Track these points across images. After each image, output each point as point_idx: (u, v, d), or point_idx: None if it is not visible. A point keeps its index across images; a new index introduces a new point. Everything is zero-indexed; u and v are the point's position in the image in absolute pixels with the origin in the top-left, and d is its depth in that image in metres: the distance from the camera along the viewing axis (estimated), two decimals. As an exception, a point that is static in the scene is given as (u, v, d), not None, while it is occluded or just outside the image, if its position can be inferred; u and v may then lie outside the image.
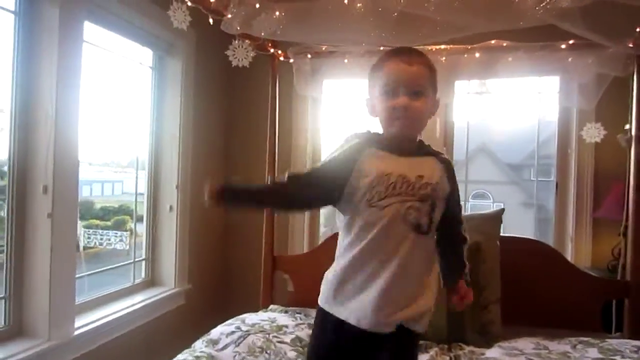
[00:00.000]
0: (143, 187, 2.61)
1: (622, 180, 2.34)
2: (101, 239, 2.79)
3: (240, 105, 3.16)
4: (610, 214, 2.53)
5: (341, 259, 1.23)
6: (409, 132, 1.20)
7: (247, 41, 2.07)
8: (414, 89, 1.15)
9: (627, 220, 2.14)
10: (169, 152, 2.63)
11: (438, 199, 1.17)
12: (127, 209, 2.86)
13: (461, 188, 2.95)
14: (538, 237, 2.92)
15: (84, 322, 1.98)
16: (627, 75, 2.06)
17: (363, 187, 1.15)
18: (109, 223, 2.85)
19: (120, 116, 2.50)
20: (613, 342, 1.70)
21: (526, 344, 1.72)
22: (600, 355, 1.58)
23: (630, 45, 1.92)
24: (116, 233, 2.86)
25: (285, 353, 1.62)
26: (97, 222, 2.80)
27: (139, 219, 2.62)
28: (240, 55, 2.01)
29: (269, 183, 1.61)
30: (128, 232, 2.73)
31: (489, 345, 1.80)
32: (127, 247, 2.70)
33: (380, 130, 1.23)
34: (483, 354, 1.71)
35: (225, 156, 3.17)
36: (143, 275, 2.61)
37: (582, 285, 2.10)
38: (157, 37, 2.49)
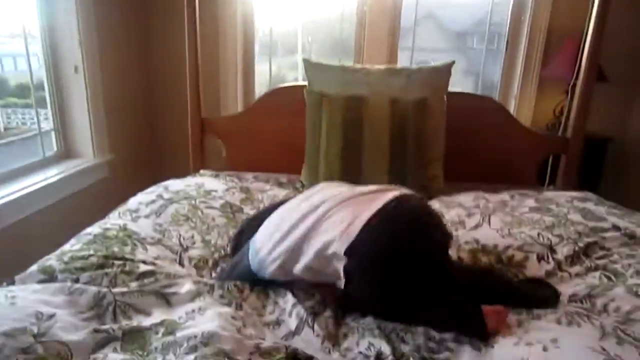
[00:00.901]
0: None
1: (576, 36, 2.17)
2: (23, 119, 2.38)
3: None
4: (558, 72, 2.41)
5: None
6: None
7: None
8: None
9: (576, 78, 2.01)
10: (63, 2, 2.12)
11: None
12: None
13: (407, 56, 2.79)
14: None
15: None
16: None
17: None
18: (29, 101, 2.44)
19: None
20: (548, 194, 1.66)
21: (466, 197, 1.65)
22: (536, 205, 1.53)
23: None
24: (29, 112, 2.44)
25: (214, 219, 1.44)
26: (16, 100, 2.36)
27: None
28: None
29: None
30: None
31: (429, 199, 1.71)
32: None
33: None
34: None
35: (140, 6, 2.63)
36: (55, 147, 2.27)
37: (525, 141, 2.02)
38: None
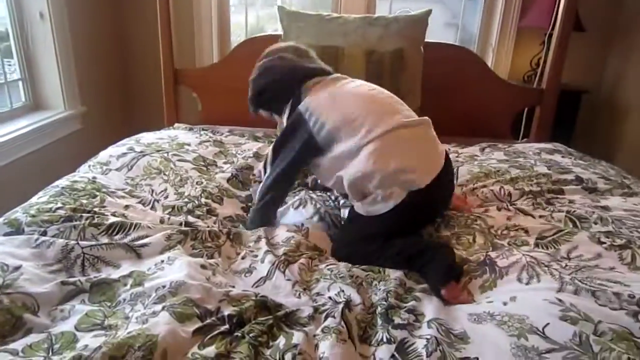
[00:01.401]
0: None
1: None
2: None
3: None
4: (536, 21, 2.36)
5: None
6: None
7: None
8: None
9: (552, 28, 1.98)
10: None
11: None
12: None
13: (385, 6, 2.68)
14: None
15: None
16: None
17: None
18: None
19: None
20: (518, 146, 1.68)
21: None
22: (505, 157, 1.55)
23: None
24: (9, 61, 2.32)
25: (187, 171, 1.42)
26: None
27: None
28: None
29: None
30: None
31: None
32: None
33: None
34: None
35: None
36: (23, 98, 2.18)
37: (500, 93, 2.01)
38: None
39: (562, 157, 1.54)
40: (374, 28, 1.79)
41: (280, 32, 1.95)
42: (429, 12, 1.84)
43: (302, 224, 1.25)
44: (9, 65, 2.17)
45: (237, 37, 2.81)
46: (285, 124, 1.25)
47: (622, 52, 2.55)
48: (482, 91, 1.99)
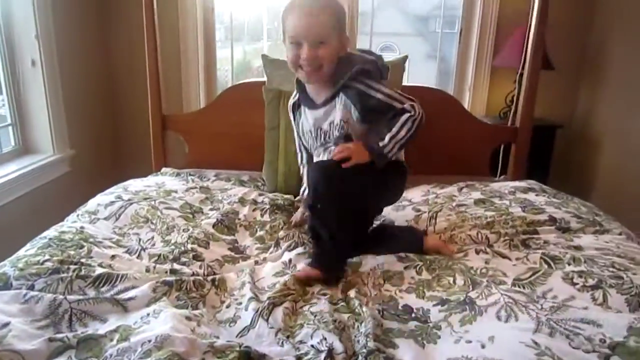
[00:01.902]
0: None
1: (522, 28, 2.22)
2: None
3: None
4: (508, 61, 2.46)
5: None
6: (315, 79, 1.29)
7: None
8: (316, 40, 1.21)
9: (523, 67, 2.07)
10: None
11: (350, 132, 1.29)
12: None
13: (366, 40, 2.77)
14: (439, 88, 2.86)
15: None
16: None
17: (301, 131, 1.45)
18: None
19: None
20: (495, 186, 1.73)
21: (416, 193, 1.70)
22: (481, 197, 1.60)
23: None
24: None
25: (174, 219, 1.44)
26: None
27: None
28: None
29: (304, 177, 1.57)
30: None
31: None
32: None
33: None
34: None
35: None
36: (12, 142, 2.20)
37: (476, 131, 2.08)
38: None
39: (536, 195, 1.59)
40: (354, 73, 1.85)
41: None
42: (405, 58, 1.92)
43: (291, 260, 1.28)
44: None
45: (224, 71, 2.87)
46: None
47: (591, 88, 2.66)
48: (459, 130, 2.05)
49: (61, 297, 1.03)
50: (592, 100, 2.66)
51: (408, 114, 1.27)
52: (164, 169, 1.97)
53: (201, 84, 2.68)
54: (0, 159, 2.09)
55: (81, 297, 1.05)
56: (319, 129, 1.34)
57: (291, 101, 1.48)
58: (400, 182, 1.42)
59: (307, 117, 1.37)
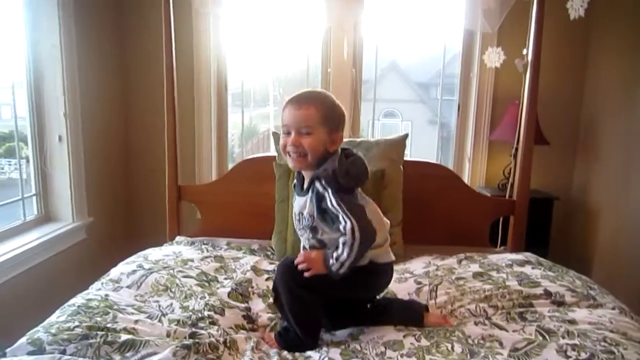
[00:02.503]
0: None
1: (516, 103, 2.45)
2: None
3: (134, 20, 2.80)
4: (505, 135, 2.67)
5: None
6: (298, 166, 1.41)
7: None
8: (302, 129, 1.35)
9: (518, 142, 2.27)
10: (51, 75, 2.30)
11: (315, 225, 1.38)
12: (20, 135, 2.52)
13: (369, 107, 3.01)
14: (440, 155, 3.08)
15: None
16: (529, 0, 2.07)
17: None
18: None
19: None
20: (493, 258, 1.86)
21: (418, 264, 1.83)
22: (480, 270, 1.73)
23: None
24: (9, 161, 2.55)
25: (191, 287, 1.58)
26: None
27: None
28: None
29: None
30: (24, 160, 2.41)
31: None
32: (25, 175, 2.41)
33: None
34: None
35: (120, 83, 2.85)
36: (35, 211, 2.38)
37: (475, 204, 2.24)
38: None
39: (532, 268, 1.72)
40: (359, 151, 2.05)
41: (272, 130, 2.21)
42: (406, 136, 2.13)
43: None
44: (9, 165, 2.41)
45: (231, 135, 3.10)
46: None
47: (586, 161, 2.86)
48: (459, 203, 2.22)
49: (91, 361, 1.15)
50: (587, 173, 2.84)
51: (344, 238, 1.28)
52: (178, 238, 2.13)
53: (213, 155, 2.92)
54: (24, 227, 2.26)
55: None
56: (300, 214, 1.43)
57: (292, 183, 1.63)
58: (373, 280, 1.44)
59: (294, 201, 1.48)
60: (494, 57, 2.40)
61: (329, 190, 1.31)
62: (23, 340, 1.24)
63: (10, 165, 2.62)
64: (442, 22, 2.73)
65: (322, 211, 1.33)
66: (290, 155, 1.38)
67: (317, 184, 1.33)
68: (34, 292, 2.15)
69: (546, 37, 2.06)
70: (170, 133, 2.18)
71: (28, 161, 2.37)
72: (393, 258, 1.47)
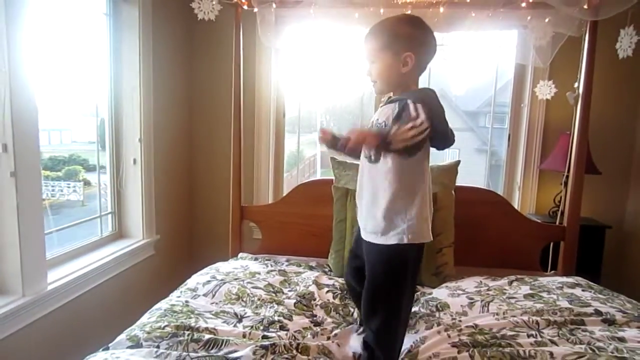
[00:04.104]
0: (94, 136, 2.62)
1: (567, 134, 2.57)
2: (53, 190, 2.79)
3: (202, 55, 3.14)
4: (555, 165, 2.78)
5: None
6: (377, 91, 1.55)
7: (211, -8, 2.07)
8: (369, 59, 1.49)
9: (568, 171, 2.38)
10: (129, 104, 2.62)
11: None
12: (78, 158, 2.85)
13: None
14: (489, 182, 3.20)
15: (56, 277, 2.06)
16: (580, 35, 2.22)
17: None
18: (59, 174, 2.86)
19: (74, 67, 2.44)
20: (543, 280, 1.97)
21: (469, 283, 1.97)
22: (530, 291, 1.85)
23: (585, 7, 2.06)
24: (68, 184, 2.86)
25: (261, 297, 1.78)
26: (47, 172, 2.80)
27: (92, 169, 2.63)
28: (206, 8, 2.01)
29: None
30: (82, 183, 2.74)
31: (441, 284, 2.04)
32: (82, 197, 2.72)
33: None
34: (431, 293, 1.95)
35: (188, 107, 3.19)
36: (110, 228, 2.68)
37: (525, 229, 2.37)
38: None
39: (583, 290, 1.83)
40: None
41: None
42: (458, 162, 2.29)
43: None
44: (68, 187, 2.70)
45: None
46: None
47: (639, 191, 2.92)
48: (509, 228, 2.35)
49: (184, 353, 1.36)
50: (641, 204, 2.90)
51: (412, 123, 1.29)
52: (241, 254, 2.36)
53: (270, 177, 3.18)
54: (101, 242, 2.55)
55: (200, 354, 1.37)
56: (378, 120, 1.47)
57: (350, 202, 1.82)
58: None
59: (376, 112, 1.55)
60: (545, 90, 2.55)
61: (416, 103, 1.31)
62: (122, 336, 1.48)
63: (69, 187, 2.93)
64: (493, 52, 2.90)
65: (399, 116, 1.37)
66: (371, 83, 1.52)
67: (401, 102, 1.39)
68: (109, 304, 2.41)
69: (597, 70, 2.20)
70: (236, 158, 2.44)
71: (87, 184, 2.66)
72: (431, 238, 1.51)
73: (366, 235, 1.49)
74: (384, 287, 1.43)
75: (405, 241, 1.41)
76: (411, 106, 1.32)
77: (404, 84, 1.47)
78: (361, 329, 1.60)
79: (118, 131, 2.66)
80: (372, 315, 1.44)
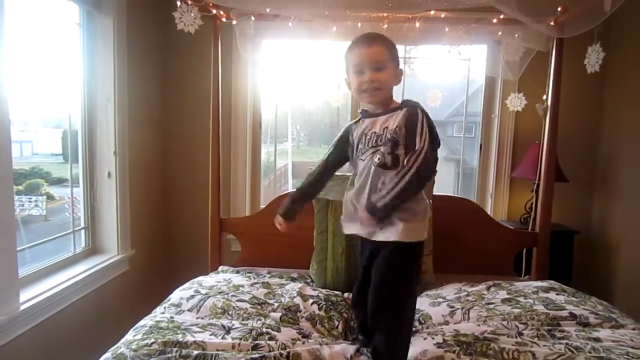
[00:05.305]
0: (58, 148, 2.57)
1: (537, 144, 2.70)
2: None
3: (178, 65, 3.14)
4: (526, 174, 2.90)
5: None
6: (375, 99, 1.54)
7: (190, 3, 2.08)
8: (376, 65, 1.48)
9: (539, 179, 2.50)
10: (103, 116, 2.59)
11: (399, 138, 1.45)
12: (40, 171, 2.78)
13: None
14: (460, 189, 3.31)
15: (29, 296, 2.00)
16: (548, 50, 2.35)
17: (352, 146, 1.59)
18: (20, 187, 2.79)
19: (40, 78, 2.38)
20: (519, 285, 2.06)
21: (449, 290, 2.04)
22: (507, 296, 1.94)
23: (552, 23, 2.18)
24: (30, 198, 2.79)
25: (246, 310, 1.79)
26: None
27: (56, 182, 2.57)
28: (187, 20, 2.02)
29: (310, 178, 1.78)
30: (44, 197, 2.66)
31: (421, 292, 2.09)
32: (44, 212, 2.65)
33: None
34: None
35: (164, 118, 3.17)
36: (83, 244, 2.62)
37: (500, 236, 2.46)
38: (84, -10, 2.41)
39: (557, 294, 1.92)
40: (391, 185, 2.30)
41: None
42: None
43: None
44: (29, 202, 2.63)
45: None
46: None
47: (605, 197, 3.07)
48: (485, 235, 2.44)
49: (173, 372, 1.36)
50: (606, 209, 3.06)
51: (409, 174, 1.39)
52: (221, 267, 2.35)
53: (247, 188, 3.19)
54: (74, 258, 2.49)
55: (189, 371, 1.37)
56: (373, 132, 1.51)
57: (332, 214, 1.80)
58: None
59: (362, 125, 1.56)
60: (516, 102, 2.67)
61: (424, 115, 1.44)
62: (108, 355, 1.45)
63: (30, 201, 2.85)
64: (463, 65, 3.02)
65: (409, 127, 1.43)
66: (365, 92, 1.50)
67: (411, 108, 1.46)
68: (83, 322, 2.35)
69: (564, 83, 2.33)
70: (214, 171, 2.44)
71: (50, 198, 2.60)
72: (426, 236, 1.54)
73: (377, 236, 1.50)
74: (396, 284, 1.48)
75: (416, 239, 1.46)
76: (421, 123, 1.43)
77: (391, 97, 1.57)
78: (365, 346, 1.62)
79: (91, 143, 2.62)
80: (384, 314, 1.48)
